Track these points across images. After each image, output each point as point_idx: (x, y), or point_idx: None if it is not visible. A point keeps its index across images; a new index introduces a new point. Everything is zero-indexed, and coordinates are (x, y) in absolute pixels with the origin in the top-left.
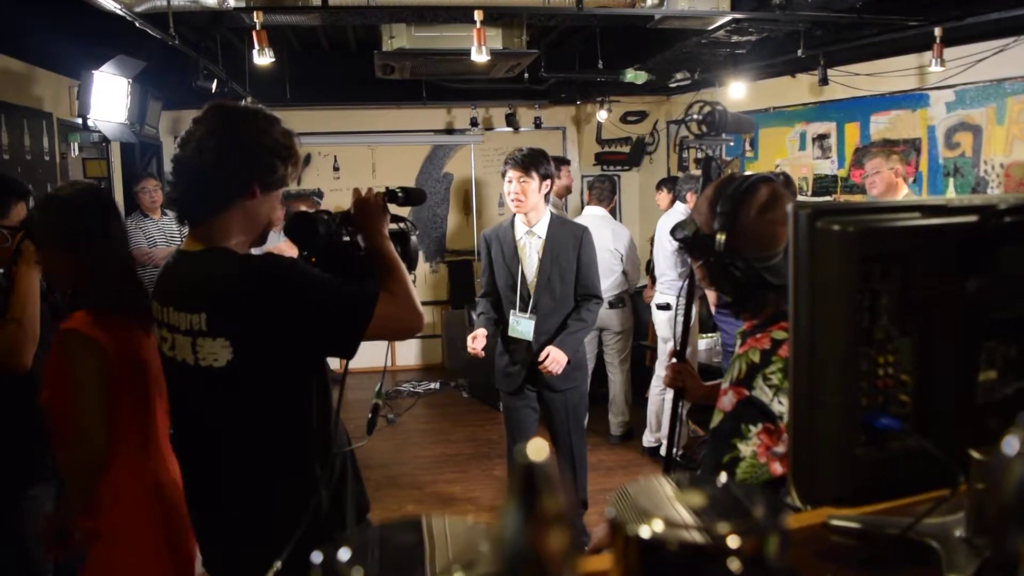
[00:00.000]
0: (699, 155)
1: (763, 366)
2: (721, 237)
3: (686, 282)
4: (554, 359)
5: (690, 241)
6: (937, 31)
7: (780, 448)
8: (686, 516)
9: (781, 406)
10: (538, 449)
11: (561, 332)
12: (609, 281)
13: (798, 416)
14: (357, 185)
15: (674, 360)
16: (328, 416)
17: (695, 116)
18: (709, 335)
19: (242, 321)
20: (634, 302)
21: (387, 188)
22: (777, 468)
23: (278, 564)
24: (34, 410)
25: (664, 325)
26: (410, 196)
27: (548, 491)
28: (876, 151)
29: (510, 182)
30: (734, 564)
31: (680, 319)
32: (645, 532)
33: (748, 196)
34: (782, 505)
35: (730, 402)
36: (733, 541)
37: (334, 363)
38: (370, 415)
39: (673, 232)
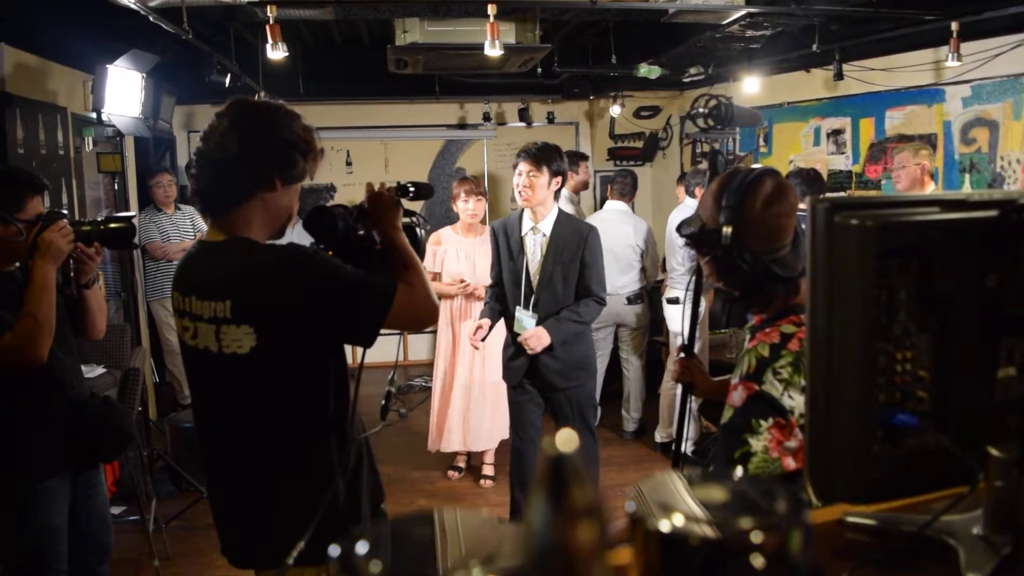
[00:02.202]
0: (704, 149)
1: (773, 360)
2: (727, 231)
3: (693, 277)
4: (534, 335)
5: (696, 236)
6: (954, 25)
7: (792, 443)
8: (708, 511)
9: (791, 400)
10: (567, 440)
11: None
12: (628, 276)
13: (814, 412)
14: (370, 179)
15: (682, 355)
16: (345, 405)
17: (701, 110)
18: (721, 331)
19: (266, 308)
20: (652, 298)
21: (398, 183)
22: (789, 463)
23: (301, 544)
24: (50, 403)
25: (676, 319)
26: (420, 191)
27: (577, 483)
28: (904, 145)
29: (520, 174)
30: (758, 560)
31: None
32: (666, 526)
33: (753, 189)
34: (804, 500)
35: (740, 397)
36: (757, 536)
37: (348, 357)
38: (383, 401)
39: (679, 229)
